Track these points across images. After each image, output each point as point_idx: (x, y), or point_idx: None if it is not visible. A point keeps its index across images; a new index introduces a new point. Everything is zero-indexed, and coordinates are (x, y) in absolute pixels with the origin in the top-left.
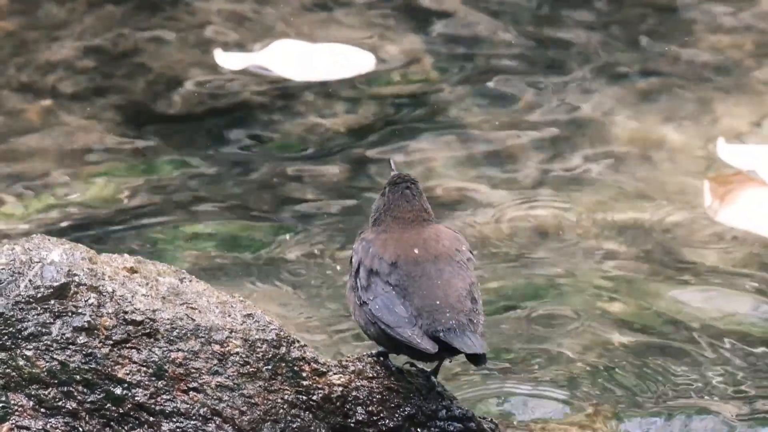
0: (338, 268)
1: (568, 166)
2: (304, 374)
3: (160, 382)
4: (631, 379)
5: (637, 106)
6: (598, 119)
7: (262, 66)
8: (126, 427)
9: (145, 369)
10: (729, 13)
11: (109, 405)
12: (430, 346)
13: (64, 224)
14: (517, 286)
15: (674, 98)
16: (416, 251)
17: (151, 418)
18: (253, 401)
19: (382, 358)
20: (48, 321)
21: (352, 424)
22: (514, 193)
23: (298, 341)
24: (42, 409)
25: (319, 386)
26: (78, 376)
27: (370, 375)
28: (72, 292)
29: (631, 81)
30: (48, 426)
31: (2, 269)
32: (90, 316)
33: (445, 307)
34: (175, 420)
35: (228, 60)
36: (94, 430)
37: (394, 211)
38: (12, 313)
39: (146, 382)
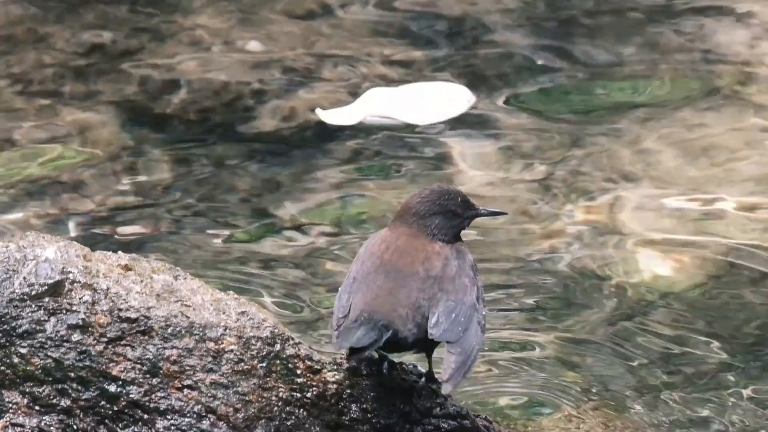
0: (333, 264)
1: None
2: (299, 372)
3: (154, 380)
4: (627, 378)
5: None
6: None
7: (379, 115)
8: (120, 425)
9: (139, 366)
10: None
11: (103, 402)
12: (337, 345)
13: (58, 222)
14: (515, 283)
15: None
16: (394, 255)
17: (146, 416)
18: (247, 399)
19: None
20: (42, 318)
21: (347, 422)
22: None
23: (293, 338)
24: (36, 407)
25: (314, 384)
26: (72, 374)
27: (365, 372)
28: (66, 289)
29: None
30: (42, 423)
31: None
32: (84, 313)
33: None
34: (169, 417)
35: (333, 117)
36: (89, 427)
37: (405, 217)
38: (6, 310)
39: (140, 380)
